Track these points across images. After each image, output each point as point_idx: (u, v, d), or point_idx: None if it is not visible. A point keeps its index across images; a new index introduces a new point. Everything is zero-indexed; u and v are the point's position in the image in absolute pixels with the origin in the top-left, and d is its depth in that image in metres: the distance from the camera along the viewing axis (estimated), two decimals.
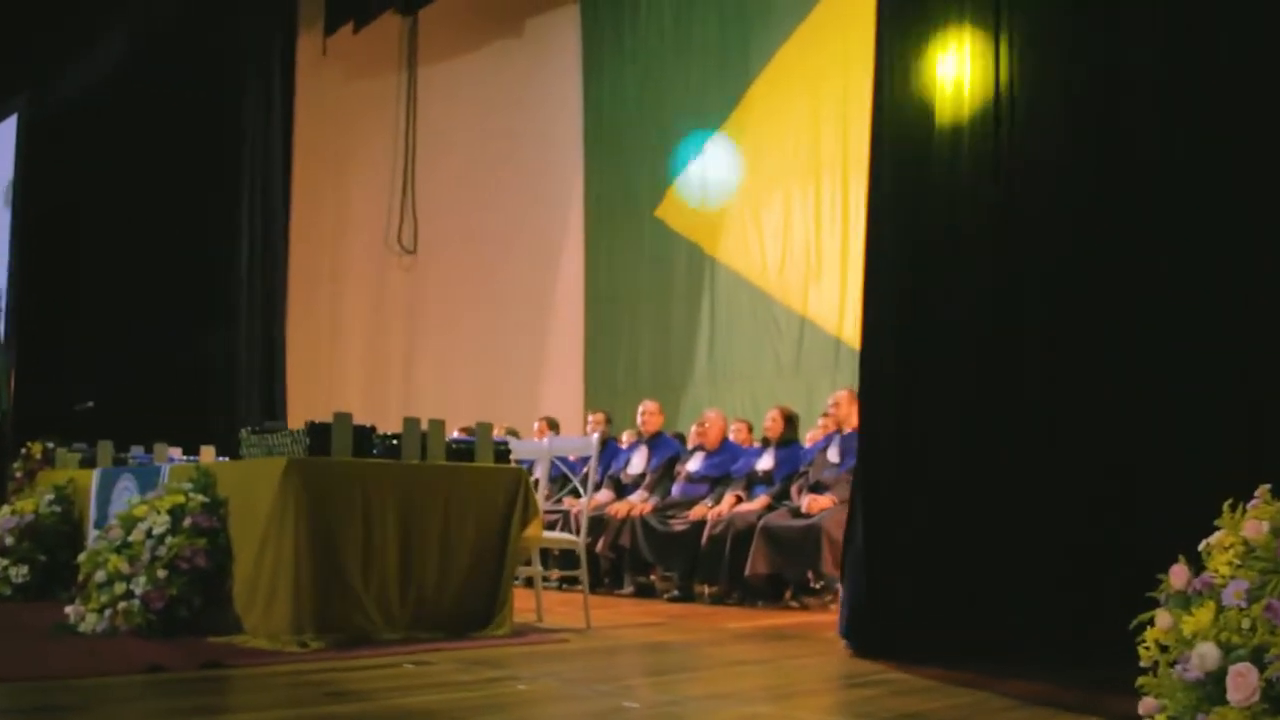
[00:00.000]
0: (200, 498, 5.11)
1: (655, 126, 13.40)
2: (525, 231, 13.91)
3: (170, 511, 5.00)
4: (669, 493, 8.06)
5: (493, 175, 13.76)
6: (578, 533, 6.16)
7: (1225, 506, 2.61)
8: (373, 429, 5.22)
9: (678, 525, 7.53)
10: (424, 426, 5.37)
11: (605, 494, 8.20)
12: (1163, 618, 2.56)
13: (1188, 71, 3.90)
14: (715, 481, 7.89)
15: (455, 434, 6.56)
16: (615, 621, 6.12)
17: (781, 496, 7.39)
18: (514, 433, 8.84)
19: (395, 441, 5.27)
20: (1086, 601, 3.33)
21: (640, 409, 8.48)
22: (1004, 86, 4.38)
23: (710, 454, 8.05)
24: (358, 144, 13.25)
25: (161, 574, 4.85)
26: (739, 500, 7.49)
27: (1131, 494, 3.68)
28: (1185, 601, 2.54)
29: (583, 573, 5.98)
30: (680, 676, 4.39)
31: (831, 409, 7.43)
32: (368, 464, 5.11)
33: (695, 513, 7.52)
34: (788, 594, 7.07)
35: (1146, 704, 2.45)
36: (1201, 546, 2.65)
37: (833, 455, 7.26)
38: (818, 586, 7.06)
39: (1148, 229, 3.88)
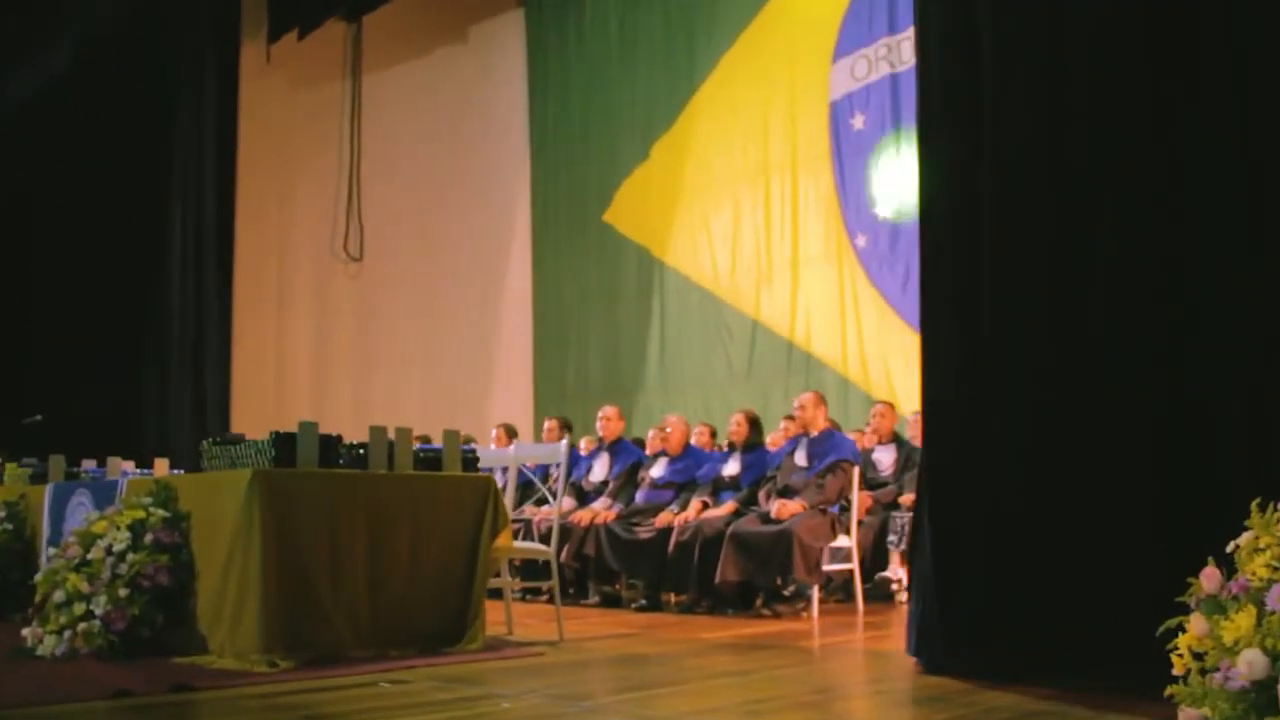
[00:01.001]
0: (161, 512, 4.92)
1: (602, 131, 13.35)
2: (472, 237, 13.80)
3: (130, 527, 4.81)
4: (632, 499, 7.93)
5: (438, 181, 13.64)
6: (544, 541, 6.02)
7: (1254, 506, 2.54)
8: (339, 438, 5.06)
9: (643, 533, 7.40)
10: (390, 435, 5.22)
11: (567, 502, 8.05)
12: (1198, 623, 2.47)
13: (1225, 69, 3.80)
14: (680, 487, 7.77)
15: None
16: (586, 633, 5.99)
17: (749, 502, 7.29)
18: (470, 440, 8.67)
19: (362, 451, 5.11)
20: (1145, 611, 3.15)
21: (600, 414, 8.35)
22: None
23: (674, 459, 7.93)
24: (303, 152, 13.04)
25: (123, 593, 4.65)
26: (705, 506, 7.38)
27: (1200, 508, 3.55)
28: (1219, 606, 2.46)
29: (554, 583, 5.84)
30: (665, 691, 4.26)
31: (797, 411, 7.34)
32: (335, 475, 4.94)
33: (661, 520, 7.40)
34: (759, 602, 6.96)
35: (1187, 714, 2.36)
36: (1230, 548, 2.58)
37: (800, 459, 7.17)
38: (789, 593, 6.97)
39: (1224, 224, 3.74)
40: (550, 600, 7.77)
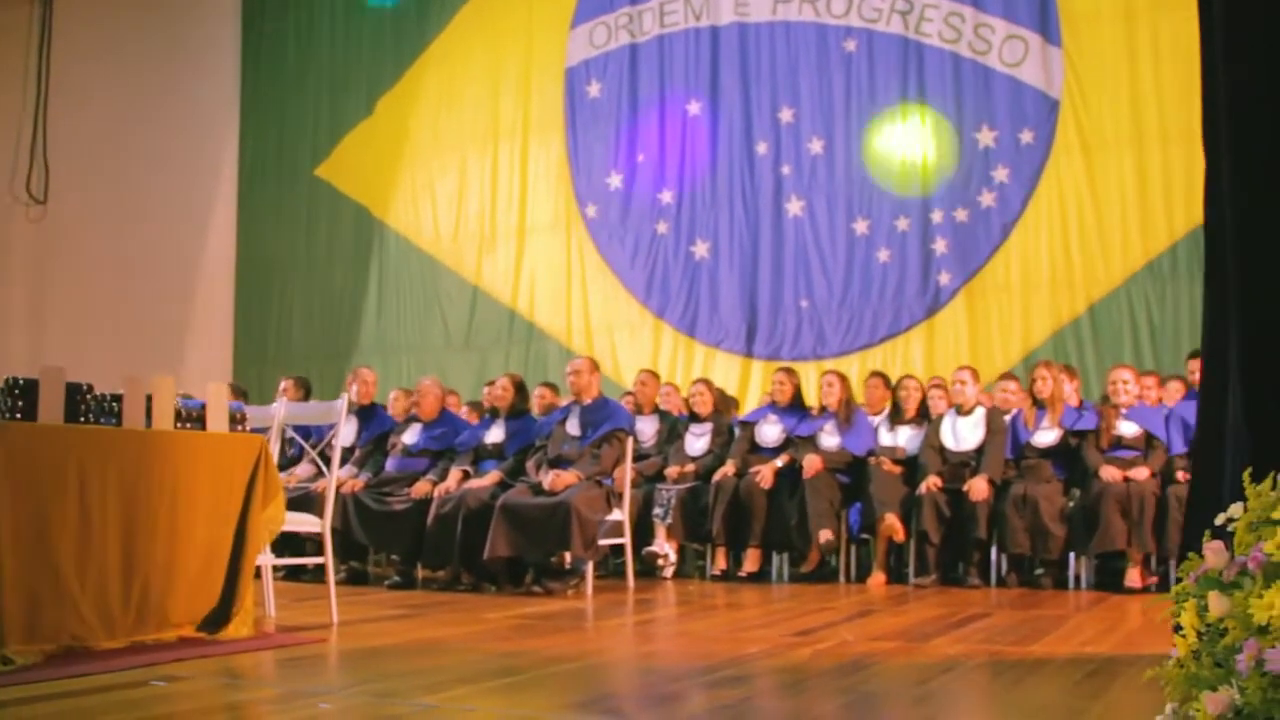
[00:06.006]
0: None
1: (320, 85, 12.55)
2: (172, 187, 12.64)
3: None
4: (382, 468, 7.33)
5: (137, 127, 12.38)
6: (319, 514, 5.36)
7: (1245, 477, 2.35)
8: (89, 388, 4.29)
9: (397, 504, 6.83)
10: (148, 387, 4.49)
11: (305, 468, 7.36)
12: (1218, 602, 2.24)
13: None
14: (436, 455, 7.23)
15: None
16: (355, 615, 5.37)
17: (516, 472, 6.83)
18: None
19: (115, 404, 4.36)
20: None
21: (352, 375, 7.69)
22: None
23: (428, 425, 7.36)
24: None
25: None
26: (466, 476, 6.88)
27: None
28: (1220, 583, 2.26)
29: (328, 560, 5.20)
30: (509, 681, 3.74)
31: (571, 378, 6.93)
32: (85, 431, 4.16)
33: (418, 490, 6.85)
34: (528, 578, 6.51)
35: (1216, 700, 2.13)
36: (1221, 519, 2.38)
37: (573, 427, 6.78)
38: (561, 568, 6.54)
39: None
40: (287, 577, 7.14)
